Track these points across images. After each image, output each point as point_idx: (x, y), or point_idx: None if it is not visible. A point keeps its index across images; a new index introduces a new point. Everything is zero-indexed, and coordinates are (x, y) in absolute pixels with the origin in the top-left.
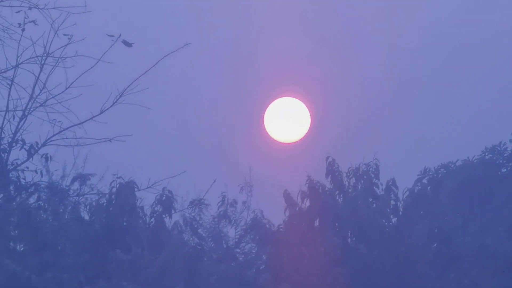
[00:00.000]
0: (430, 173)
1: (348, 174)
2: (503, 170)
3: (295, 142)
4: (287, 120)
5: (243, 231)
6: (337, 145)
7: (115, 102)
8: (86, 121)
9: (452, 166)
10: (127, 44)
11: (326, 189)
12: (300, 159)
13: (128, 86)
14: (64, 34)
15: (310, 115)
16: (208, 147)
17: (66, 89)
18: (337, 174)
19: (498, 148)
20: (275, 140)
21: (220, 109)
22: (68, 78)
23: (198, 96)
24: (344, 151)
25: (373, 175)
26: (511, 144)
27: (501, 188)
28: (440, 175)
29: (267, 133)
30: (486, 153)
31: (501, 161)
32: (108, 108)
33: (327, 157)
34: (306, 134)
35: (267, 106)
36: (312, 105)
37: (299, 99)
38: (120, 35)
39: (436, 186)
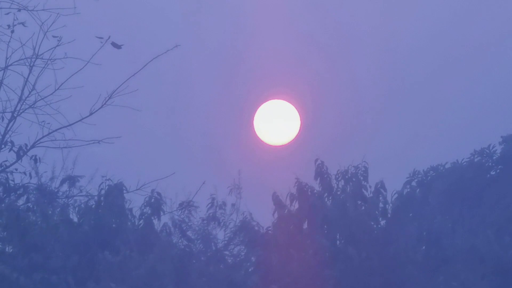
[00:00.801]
0: (419, 175)
1: (337, 177)
2: (492, 172)
3: (285, 144)
4: (277, 122)
5: (232, 233)
6: (327, 147)
7: (104, 104)
8: (75, 123)
9: (442, 168)
10: (116, 46)
11: (315, 191)
12: (290, 162)
13: (117, 88)
14: (53, 36)
15: (300, 118)
16: (197, 149)
17: (55, 91)
18: (326, 176)
19: (487, 151)
20: (264, 143)
21: (210, 111)
22: (57, 80)
23: (188, 98)
24: (334, 153)
25: (362, 178)
26: (501, 146)
27: (490, 190)
28: (429, 177)
29: (256, 135)
30: (475, 156)
31: (490, 163)
32: (97, 110)
33: (316, 160)
34: (296, 136)
35: (257, 108)
36: (302, 107)
37: (289, 102)
38: (109, 37)
39: (425, 188)
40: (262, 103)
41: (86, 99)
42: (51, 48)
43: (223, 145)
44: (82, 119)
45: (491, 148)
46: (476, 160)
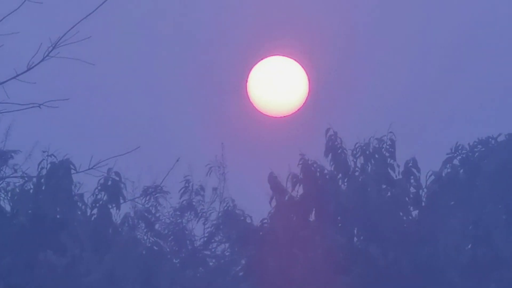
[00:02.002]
0: (464, 151)
1: (355, 152)
2: None
3: (288, 115)
4: (278, 86)
5: (214, 227)
6: (341, 118)
7: (47, 55)
8: (7, 80)
9: (493, 142)
10: None
11: (325, 171)
12: (293, 137)
13: (64, 35)
14: None
15: (308, 80)
16: (169, 118)
17: None
18: (340, 152)
19: None
20: (261, 112)
21: (187, 69)
22: None
23: (159, 48)
24: (351, 126)
25: (387, 154)
26: None
27: None
28: (476, 154)
29: (250, 102)
30: None
31: None
32: (37, 64)
33: (327, 130)
34: (302, 104)
35: (252, 67)
36: (311, 66)
37: (294, 59)
38: None
39: (471, 168)
40: (258, 61)
41: (23, 49)
42: None
43: (205, 114)
44: (18, 75)
45: None
46: None
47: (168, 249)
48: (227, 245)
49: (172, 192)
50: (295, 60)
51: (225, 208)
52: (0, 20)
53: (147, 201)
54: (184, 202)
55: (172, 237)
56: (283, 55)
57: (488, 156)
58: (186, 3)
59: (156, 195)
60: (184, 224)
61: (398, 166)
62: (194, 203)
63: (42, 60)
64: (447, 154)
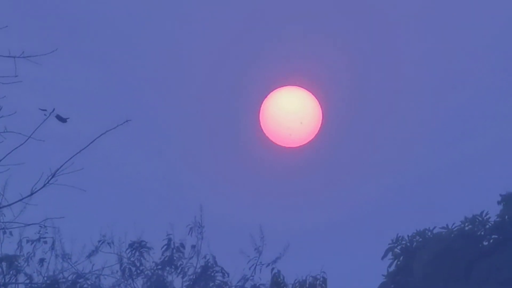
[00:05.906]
0: (403, 241)
1: (295, 286)
2: (485, 243)
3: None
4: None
5: (191, 281)
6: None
7: (47, 183)
8: (14, 203)
9: (429, 233)
10: (61, 119)
11: None
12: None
13: (61, 167)
14: None
15: (321, 111)
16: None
17: None
18: (282, 285)
19: (479, 219)
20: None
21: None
22: None
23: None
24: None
25: None
26: (500, 206)
27: (480, 264)
28: (414, 243)
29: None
30: (466, 224)
31: (482, 233)
32: (39, 189)
33: (272, 269)
34: (315, 135)
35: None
36: (324, 97)
37: (307, 89)
38: (53, 110)
39: (409, 257)
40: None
41: (27, 178)
42: None
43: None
44: (22, 199)
45: (483, 216)
46: (466, 228)
47: None
48: None
49: (155, 248)
50: (308, 90)
51: (205, 263)
52: (6, 155)
53: (132, 255)
54: (166, 257)
55: None
56: (296, 86)
57: (424, 247)
58: (200, 34)
59: (141, 250)
60: (164, 277)
61: None
62: (175, 258)
63: (43, 186)
64: (389, 244)
